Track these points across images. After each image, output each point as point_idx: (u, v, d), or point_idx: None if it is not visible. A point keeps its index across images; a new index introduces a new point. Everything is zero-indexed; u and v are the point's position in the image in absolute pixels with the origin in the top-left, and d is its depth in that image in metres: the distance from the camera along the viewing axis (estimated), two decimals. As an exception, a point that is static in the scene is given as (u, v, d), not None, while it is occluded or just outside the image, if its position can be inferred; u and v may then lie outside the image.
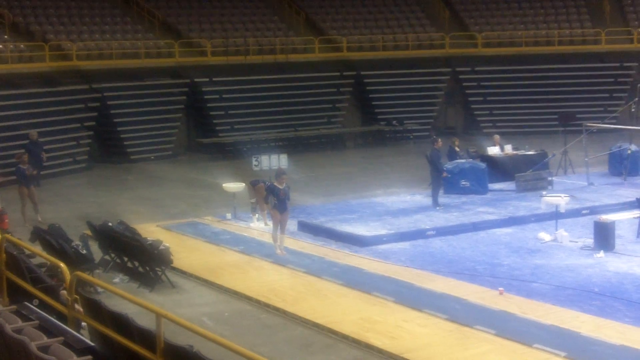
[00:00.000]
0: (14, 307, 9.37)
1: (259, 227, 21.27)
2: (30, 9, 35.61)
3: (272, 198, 18.65)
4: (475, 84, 40.28)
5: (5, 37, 32.73)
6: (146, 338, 8.03)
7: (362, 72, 38.91)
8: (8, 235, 11.66)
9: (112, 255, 17.85)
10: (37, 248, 14.93)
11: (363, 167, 31.58)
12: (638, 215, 19.63)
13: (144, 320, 8.51)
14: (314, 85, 37.96)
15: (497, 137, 27.56)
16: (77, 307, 9.44)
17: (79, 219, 21.80)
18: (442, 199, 23.27)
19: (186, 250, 19.03)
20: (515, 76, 39.72)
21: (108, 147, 34.48)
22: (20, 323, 8.59)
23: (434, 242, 19.46)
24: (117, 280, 16.88)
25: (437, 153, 23.31)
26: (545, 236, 19.32)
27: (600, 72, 39.70)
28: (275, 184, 18.57)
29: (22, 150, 25.27)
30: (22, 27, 34.35)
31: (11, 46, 31.97)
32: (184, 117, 36.04)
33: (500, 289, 15.38)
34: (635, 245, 18.63)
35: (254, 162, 23.28)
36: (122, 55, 34.67)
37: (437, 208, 22.47)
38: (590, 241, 18.51)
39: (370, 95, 39.08)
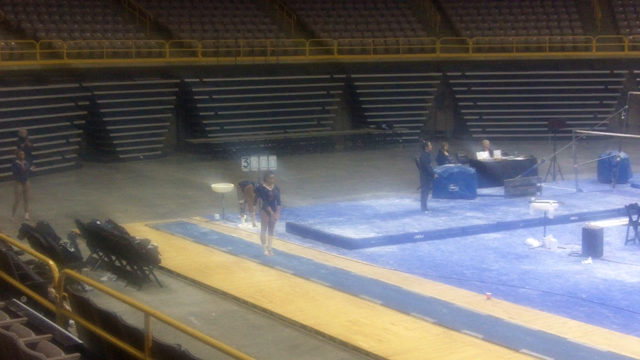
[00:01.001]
0: (2, 303, 9.35)
1: (247, 228, 21.25)
2: (21, 6, 35.50)
3: (261, 200, 18.66)
4: (465, 88, 40.37)
5: (-4, 33, 32.68)
6: (134, 336, 8.03)
7: (353, 75, 38.96)
8: (-4, 232, 11.64)
9: (100, 253, 17.81)
10: (25, 245, 14.89)
11: (352, 170, 31.61)
12: (626, 222, 19.68)
13: (131, 319, 8.50)
14: (304, 88, 38.02)
15: (486, 142, 27.60)
16: (65, 304, 9.42)
17: (67, 217, 21.76)
18: (431, 203, 23.29)
19: (174, 250, 19.00)
20: (506, 82, 39.85)
21: (97, 146, 34.45)
22: (8, 319, 8.58)
23: (422, 246, 19.47)
24: (104, 278, 16.86)
25: (427, 157, 23.33)
26: (533, 242, 19.36)
27: (590, 79, 39.84)
28: (264, 185, 18.55)
29: (15, 148, 25.26)
30: (14, 24, 34.24)
31: (2, 43, 31.88)
32: (173, 117, 36.02)
33: (487, 293, 15.42)
34: (623, 252, 18.70)
35: (243, 163, 23.24)
36: (112, 54, 34.63)
37: (426, 212, 22.49)
38: (578, 247, 18.55)
39: (360, 99, 39.12)
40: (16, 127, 28.48)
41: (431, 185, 23.58)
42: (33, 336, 8.06)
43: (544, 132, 33.99)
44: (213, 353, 7.51)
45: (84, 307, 8.97)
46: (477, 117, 39.85)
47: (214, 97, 36.22)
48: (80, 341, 8.57)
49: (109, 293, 9.29)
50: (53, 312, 9.34)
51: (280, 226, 20.33)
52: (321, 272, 17.10)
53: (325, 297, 15.51)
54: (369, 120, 38.80)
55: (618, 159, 26.37)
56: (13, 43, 32.59)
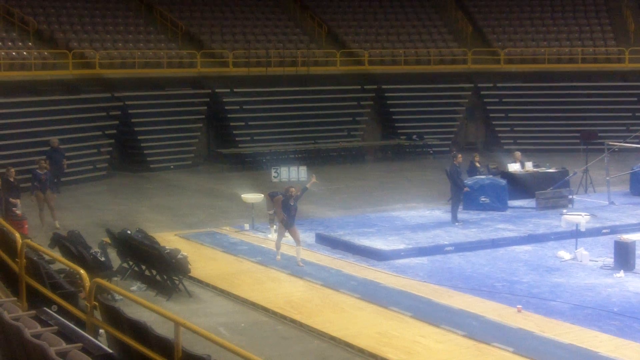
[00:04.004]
0: (33, 312, 9.38)
1: (276, 238, 21.22)
2: (54, 17, 35.85)
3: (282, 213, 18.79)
4: (496, 100, 40.21)
5: (30, 44, 32.97)
6: (164, 346, 8.02)
7: (383, 86, 38.93)
8: (28, 241, 11.67)
9: (130, 263, 17.89)
10: (56, 254, 14.97)
11: (382, 181, 31.54)
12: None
13: (160, 329, 8.50)
14: (334, 98, 38.01)
15: (518, 153, 27.44)
16: (96, 313, 9.44)
17: (98, 226, 21.89)
18: (461, 214, 23.18)
19: (204, 260, 19.05)
20: (538, 93, 39.64)
21: (128, 156, 34.64)
22: (39, 328, 8.59)
23: (452, 258, 19.37)
24: (134, 288, 16.91)
25: (457, 169, 23.21)
26: (565, 255, 19.19)
27: (623, 90, 39.53)
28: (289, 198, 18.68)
29: (44, 157, 25.41)
30: (46, 34, 34.57)
31: (35, 53, 32.19)
32: (204, 127, 36.15)
33: (518, 306, 15.28)
34: (655, 266, 18.47)
35: (274, 174, 23.33)
36: (144, 64, 34.84)
37: (456, 224, 22.38)
38: (610, 261, 18.36)
39: (391, 110, 39.09)
40: (48, 136, 28.74)
41: (462, 197, 23.45)
42: (64, 345, 8.07)
43: (576, 144, 33.77)
44: (243, 364, 7.49)
45: (114, 317, 8.99)
46: (509, 128, 39.66)
47: (244, 107, 36.34)
48: (111, 350, 8.57)
49: (139, 302, 9.30)
50: (83, 321, 9.36)
51: (309, 237, 20.31)
52: (351, 284, 17.06)
53: (354, 309, 15.46)
54: (399, 131, 38.75)
55: (651, 171, 26.15)
56: (46, 53, 32.87)
